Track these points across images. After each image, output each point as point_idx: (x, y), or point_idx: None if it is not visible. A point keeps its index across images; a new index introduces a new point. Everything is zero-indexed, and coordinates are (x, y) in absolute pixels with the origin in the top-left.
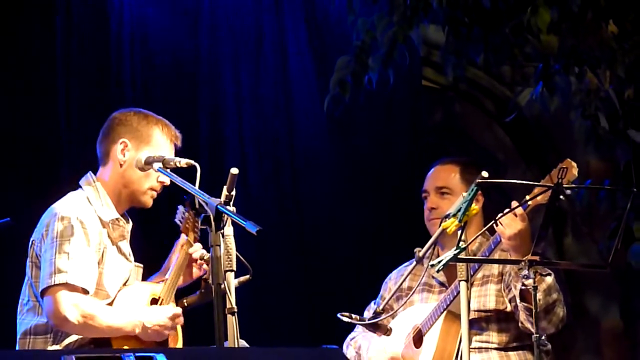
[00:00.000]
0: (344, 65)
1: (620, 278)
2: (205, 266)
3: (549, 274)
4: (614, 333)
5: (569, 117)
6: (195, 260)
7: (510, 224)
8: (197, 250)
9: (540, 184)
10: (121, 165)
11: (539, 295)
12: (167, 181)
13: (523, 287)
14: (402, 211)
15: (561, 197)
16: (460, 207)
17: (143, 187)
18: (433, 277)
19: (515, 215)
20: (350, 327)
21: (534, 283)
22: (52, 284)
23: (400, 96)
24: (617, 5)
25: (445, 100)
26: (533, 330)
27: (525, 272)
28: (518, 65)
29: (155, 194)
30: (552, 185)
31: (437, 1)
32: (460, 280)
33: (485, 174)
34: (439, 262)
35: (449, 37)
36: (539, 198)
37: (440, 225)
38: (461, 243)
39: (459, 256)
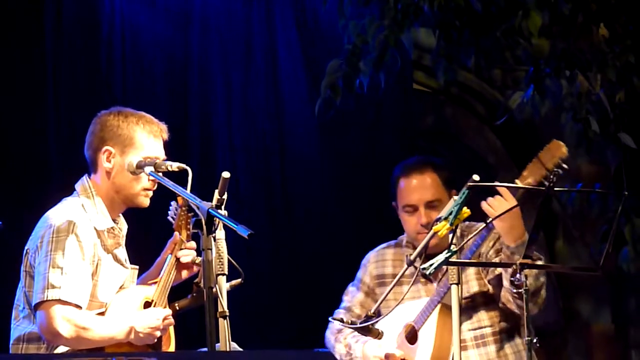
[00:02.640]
0: (335, 69)
1: (611, 281)
2: (195, 268)
3: (540, 259)
4: (605, 336)
5: (559, 120)
6: (183, 263)
7: (498, 204)
8: (187, 255)
9: (530, 186)
10: (109, 173)
11: (530, 280)
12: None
13: (512, 279)
14: (392, 214)
15: (551, 177)
16: (452, 211)
17: (135, 190)
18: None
19: (501, 196)
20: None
21: (526, 286)
22: (45, 299)
23: (391, 100)
24: (608, 8)
25: (436, 104)
26: (517, 312)
27: (517, 275)
28: (509, 68)
29: (150, 192)
30: (543, 188)
31: (428, 5)
32: (451, 284)
33: (476, 177)
34: (430, 265)
35: (440, 41)
36: (530, 180)
37: (431, 228)
38: (452, 246)
39: (450, 260)
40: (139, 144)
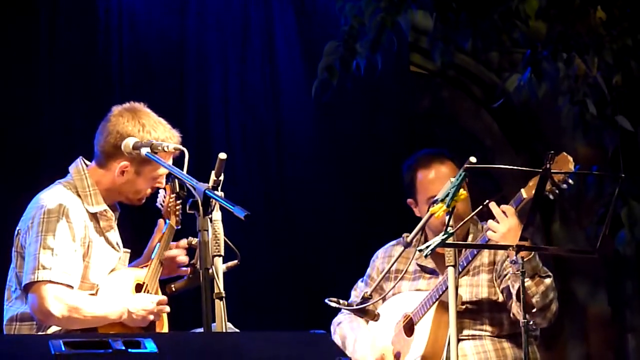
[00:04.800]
0: (331, 51)
1: (607, 264)
2: (183, 268)
3: (549, 276)
4: (601, 319)
5: (557, 103)
6: (176, 262)
7: (498, 226)
8: (180, 255)
9: (528, 169)
10: (117, 181)
11: (537, 297)
12: (162, 186)
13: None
14: (388, 197)
15: (555, 190)
16: (448, 193)
17: (137, 196)
18: (422, 265)
19: (505, 215)
20: (338, 311)
21: (522, 268)
22: (36, 280)
23: (388, 82)
24: None
25: (433, 86)
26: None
27: (514, 258)
28: (506, 51)
29: (148, 195)
30: (541, 170)
31: None
32: (448, 266)
33: (473, 159)
34: (427, 247)
35: (437, 23)
36: (533, 192)
37: (428, 210)
38: (449, 228)
39: (446, 241)
40: (156, 164)
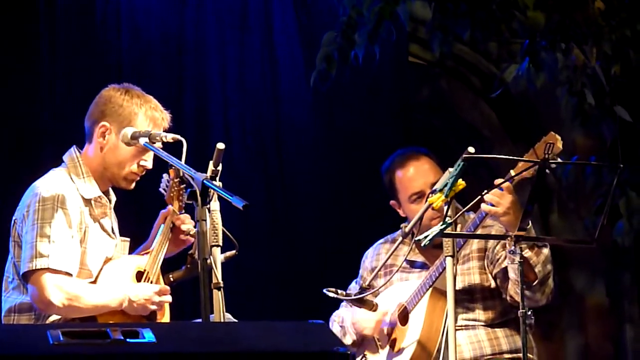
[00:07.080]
0: (330, 41)
1: (606, 255)
2: (190, 238)
3: (545, 246)
4: (599, 310)
5: (555, 93)
6: (181, 232)
7: (500, 201)
8: (186, 224)
9: (526, 159)
10: (102, 148)
11: (539, 267)
12: (149, 165)
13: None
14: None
15: (547, 170)
16: (447, 183)
17: (122, 173)
18: (411, 260)
19: (501, 190)
20: (336, 303)
21: (521, 258)
22: (34, 268)
23: (386, 72)
24: None
25: (432, 77)
26: (524, 303)
27: (512, 247)
28: (504, 41)
29: (136, 177)
30: (539, 160)
31: None
32: (446, 256)
33: (471, 149)
34: (425, 237)
35: (435, 13)
36: (524, 172)
37: (426, 201)
38: (447, 218)
39: (445, 231)
40: (140, 127)
